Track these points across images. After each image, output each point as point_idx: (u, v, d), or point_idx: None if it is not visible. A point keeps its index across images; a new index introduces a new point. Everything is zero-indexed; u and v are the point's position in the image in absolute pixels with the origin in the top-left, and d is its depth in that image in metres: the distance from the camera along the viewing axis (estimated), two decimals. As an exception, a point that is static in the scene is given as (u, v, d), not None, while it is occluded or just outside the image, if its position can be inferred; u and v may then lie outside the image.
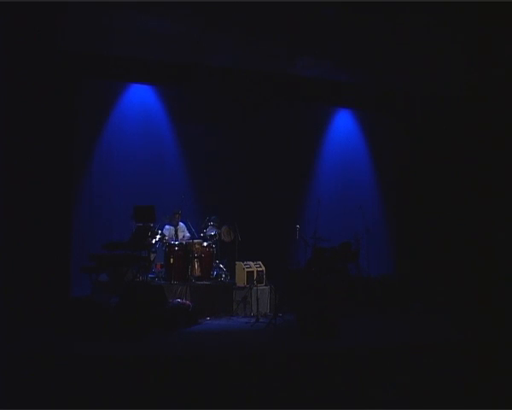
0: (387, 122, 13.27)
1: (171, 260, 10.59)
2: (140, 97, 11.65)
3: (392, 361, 7.26)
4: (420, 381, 6.75)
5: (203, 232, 11.19)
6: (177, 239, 10.98)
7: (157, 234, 10.65)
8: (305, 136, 12.95)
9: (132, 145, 11.50)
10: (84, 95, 10.69)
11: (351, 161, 13.38)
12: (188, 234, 11.27)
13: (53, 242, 9.27)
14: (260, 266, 10.77)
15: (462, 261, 11.51)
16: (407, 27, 9.68)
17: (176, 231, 11.11)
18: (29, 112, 8.98)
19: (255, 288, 10.40)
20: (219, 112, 11.95)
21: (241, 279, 10.62)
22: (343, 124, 13.45)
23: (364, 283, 11.11)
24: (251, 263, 10.75)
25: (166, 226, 11.12)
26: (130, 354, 6.63)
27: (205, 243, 10.96)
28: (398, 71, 11.12)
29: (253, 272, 10.63)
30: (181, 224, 11.29)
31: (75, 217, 10.53)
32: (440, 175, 12.31)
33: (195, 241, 10.93)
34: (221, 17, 9.10)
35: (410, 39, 10.01)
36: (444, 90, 11.78)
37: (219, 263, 11.22)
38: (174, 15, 9.10)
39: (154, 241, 10.58)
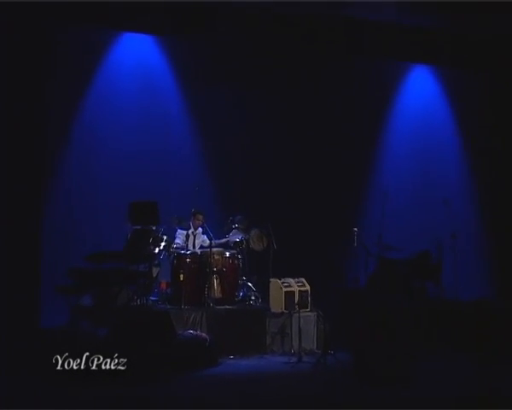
0: (483, 84, 13.10)
1: (182, 276, 10.67)
2: (136, 51, 11.78)
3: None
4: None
5: (225, 238, 11.19)
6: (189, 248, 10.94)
7: (161, 241, 10.64)
8: (367, 103, 13.04)
9: (126, 118, 11.65)
10: (61, 47, 10.83)
11: (431, 138, 13.55)
12: (206, 241, 11.19)
13: (16, 253, 9.29)
14: (304, 285, 10.82)
15: None
16: None
17: (193, 238, 11.08)
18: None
19: (297, 315, 10.30)
20: (245, 69, 12.04)
21: (277, 303, 10.65)
22: (420, 86, 13.59)
23: (450, 309, 11.01)
24: (291, 280, 10.81)
25: (179, 231, 11.07)
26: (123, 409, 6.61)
27: (227, 253, 11.06)
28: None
29: (293, 292, 10.65)
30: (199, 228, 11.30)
31: (47, 219, 10.67)
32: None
33: (214, 250, 10.90)
34: None
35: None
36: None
37: (247, 280, 11.27)
38: None
39: (157, 250, 10.62)
